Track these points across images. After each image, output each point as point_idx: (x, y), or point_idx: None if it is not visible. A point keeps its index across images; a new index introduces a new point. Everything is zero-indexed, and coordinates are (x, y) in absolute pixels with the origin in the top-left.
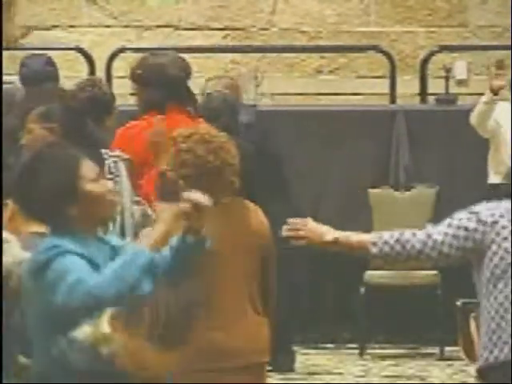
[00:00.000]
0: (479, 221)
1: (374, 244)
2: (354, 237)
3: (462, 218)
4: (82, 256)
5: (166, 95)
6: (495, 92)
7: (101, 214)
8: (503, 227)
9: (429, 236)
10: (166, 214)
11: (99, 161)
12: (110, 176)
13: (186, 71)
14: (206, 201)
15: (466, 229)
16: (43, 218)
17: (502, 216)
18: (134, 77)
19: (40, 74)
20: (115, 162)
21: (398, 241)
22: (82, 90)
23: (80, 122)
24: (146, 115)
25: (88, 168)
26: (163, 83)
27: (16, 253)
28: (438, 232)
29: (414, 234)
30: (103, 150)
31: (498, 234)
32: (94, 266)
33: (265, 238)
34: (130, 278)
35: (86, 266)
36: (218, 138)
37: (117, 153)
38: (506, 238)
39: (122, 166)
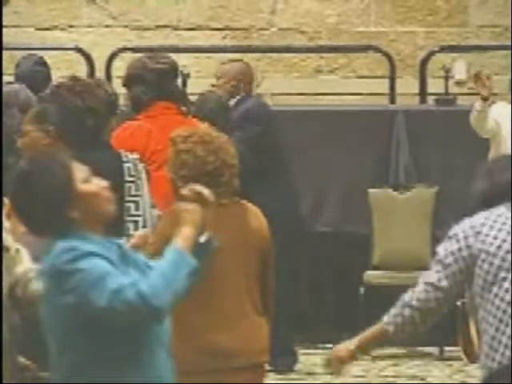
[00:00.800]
0: (459, 240)
1: (388, 323)
2: (370, 331)
3: (443, 247)
4: (101, 256)
5: (150, 91)
6: (486, 100)
7: (100, 212)
8: (486, 234)
9: (425, 283)
10: (195, 215)
11: (112, 162)
12: (129, 178)
13: (170, 67)
14: (210, 195)
15: (452, 253)
16: (45, 227)
17: (483, 225)
18: (123, 81)
19: (30, 73)
20: (135, 165)
21: (403, 306)
22: None
23: (78, 123)
24: (137, 115)
25: (77, 170)
26: (145, 79)
27: (26, 263)
28: (430, 274)
29: (413, 291)
30: (123, 153)
31: (483, 242)
32: (113, 265)
33: (264, 239)
34: (179, 286)
35: (113, 268)
36: (217, 138)
37: (136, 155)
38: (491, 244)
39: (142, 169)
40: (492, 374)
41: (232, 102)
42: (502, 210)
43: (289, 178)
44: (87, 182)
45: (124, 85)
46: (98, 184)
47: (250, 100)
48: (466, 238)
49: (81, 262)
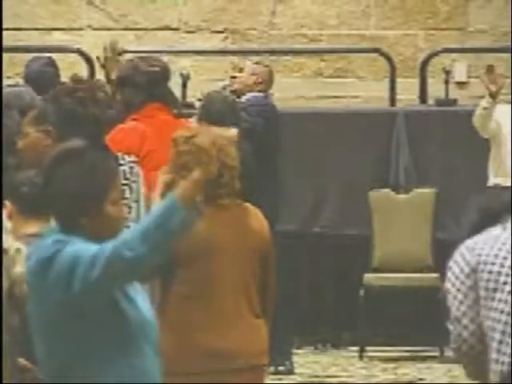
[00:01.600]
0: (458, 263)
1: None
2: None
3: (447, 280)
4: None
5: (141, 93)
6: (494, 97)
7: (107, 232)
8: (481, 248)
9: (450, 323)
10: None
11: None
12: (125, 182)
13: (162, 70)
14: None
15: (457, 277)
16: (52, 213)
17: (477, 242)
18: (114, 83)
19: (39, 74)
20: (131, 168)
21: (455, 355)
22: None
23: (78, 128)
24: (129, 117)
25: (116, 187)
26: (136, 81)
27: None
28: (450, 311)
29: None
30: (119, 155)
31: (479, 255)
32: None
33: (264, 241)
34: (162, 233)
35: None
36: (218, 140)
37: (133, 158)
38: (488, 255)
39: (138, 172)
40: (503, 377)
41: (248, 96)
42: (494, 228)
43: (275, 186)
44: (115, 204)
45: (115, 87)
46: (122, 211)
47: (266, 98)
48: (463, 258)
49: (63, 252)
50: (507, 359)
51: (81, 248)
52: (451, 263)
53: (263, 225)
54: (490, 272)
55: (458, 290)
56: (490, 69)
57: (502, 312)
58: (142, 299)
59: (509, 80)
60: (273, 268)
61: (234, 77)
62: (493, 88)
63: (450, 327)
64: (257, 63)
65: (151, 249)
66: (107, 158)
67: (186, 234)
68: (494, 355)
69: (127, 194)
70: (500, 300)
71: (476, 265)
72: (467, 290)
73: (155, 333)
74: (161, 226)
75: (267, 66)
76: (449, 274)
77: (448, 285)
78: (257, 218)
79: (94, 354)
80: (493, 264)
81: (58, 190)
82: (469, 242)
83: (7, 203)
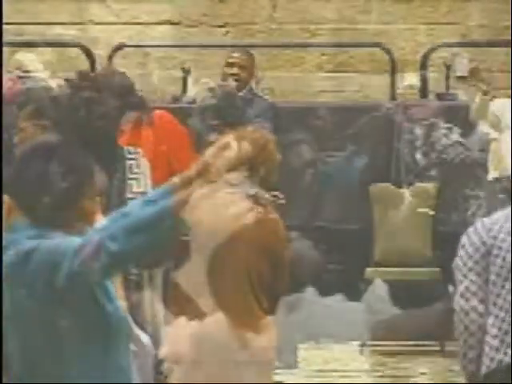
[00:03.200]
0: (473, 242)
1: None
2: None
3: (459, 258)
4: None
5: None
6: (487, 94)
7: (79, 227)
8: (498, 231)
9: (455, 301)
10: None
11: (107, 159)
12: (132, 176)
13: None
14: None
15: (470, 256)
16: (29, 209)
17: (494, 223)
18: None
19: None
20: (136, 160)
21: (458, 337)
22: None
23: (76, 119)
24: None
25: (92, 183)
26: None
27: None
28: (458, 289)
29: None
30: (125, 148)
31: (495, 238)
32: None
33: (275, 236)
34: (155, 234)
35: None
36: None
37: (137, 150)
38: (504, 240)
39: (144, 163)
40: (502, 366)
41: (245, 91)
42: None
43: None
44: (92, 199)
45: None
46: (95, 207)
47: (252, 89)
48: (480, 237)
49: (42, 245)
50: (509, 350)
51: (62, 241)
52: (465, 240)
53: (275, 221)
54: (504, 259)
55: (471, 269)
56: (474, 71)
57: (510, 303)
58: (115, 294)
59: (509, 74)
60: (284, 266)
61: (233, 74)
62: (483, 86)
63: (456, 307)
64: (245, 52)
65: (135, 246)
66: (81, 156)
67: (170, 243)
68: (494, 342)
69: (134, 188)
70: (509, 292)
71: (491, 247)
72: (481, 270)
73: (127, 330)
74: (147, 228)
75: (252, 55)
76: (461, 252)
77: (459, 262)
78: (271, 217)
79: (74, 350)
80: (507, 251)
81: (26, 183)
82: (486, 221)
83: (5, 198)
